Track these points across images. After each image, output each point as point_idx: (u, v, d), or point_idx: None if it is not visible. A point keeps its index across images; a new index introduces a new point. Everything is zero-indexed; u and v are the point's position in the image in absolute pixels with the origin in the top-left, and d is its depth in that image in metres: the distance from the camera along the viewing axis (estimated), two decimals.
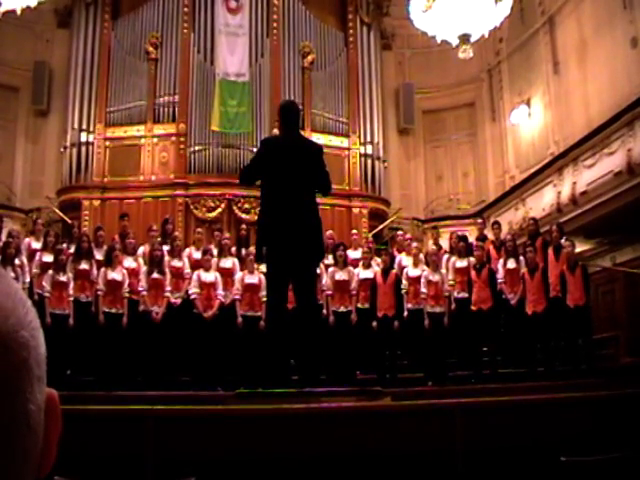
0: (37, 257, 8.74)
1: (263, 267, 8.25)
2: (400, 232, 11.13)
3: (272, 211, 5.26)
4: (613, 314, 9.64)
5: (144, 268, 8.69)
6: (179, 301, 8.66)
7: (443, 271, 9.00)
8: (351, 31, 14.36)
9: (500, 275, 8.85)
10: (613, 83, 10.40)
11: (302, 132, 11.94)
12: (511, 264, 8.84)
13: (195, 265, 8.94)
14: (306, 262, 5.28)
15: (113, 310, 8.40)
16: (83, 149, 13.01)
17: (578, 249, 9.13)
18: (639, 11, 9.92)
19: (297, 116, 5.59)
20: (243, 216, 12.36)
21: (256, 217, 12.03)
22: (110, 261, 8.53)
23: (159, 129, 13.17)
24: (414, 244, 9.58)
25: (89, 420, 4.03)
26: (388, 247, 10.57)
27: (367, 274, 8.97)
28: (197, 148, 12.83)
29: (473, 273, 8.80)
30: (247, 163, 5.65)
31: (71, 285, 8.35)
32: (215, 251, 9.16)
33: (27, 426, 0.58)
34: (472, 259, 8.95)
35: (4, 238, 8.94)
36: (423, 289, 8.77)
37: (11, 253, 8.24)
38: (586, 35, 11.50)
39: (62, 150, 13.29)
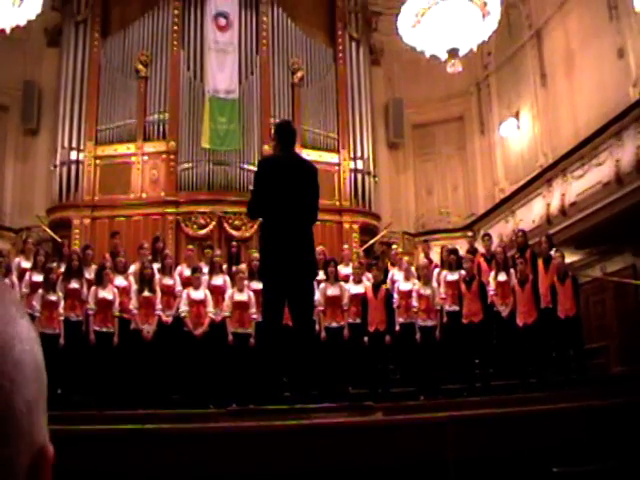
0: (27, 276, 8.68)
1: (254, 284, 8.28)
2: (394, 247, 11.15)
3: (272, 230, 5.29)
4: (604, 324, 9.65)
5: (135, 287, 8.66)
6: (170, 319, 8.63)
7: (434, 285, 9.01)
8: (340, 47, 14.41)
9: (491, 288, 8.87)
10: (600, 94, 10.46)
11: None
12: (502, 276, 8.87)
13: (186, 283, 8.92)
14: (302, 280, 5.30)
15: (104, 329, 8.35)
16: (73, 167, 12.96)
17: (568, 260, 9.15)
18: (626, 22, 9.99)
19: (294, 136, 5.64)
20: (234, 233, 12.35)
21: (247, 234, 12.22)
22: (101, 280, 8.50)
23: (149, 147, 13.16)
24: (405, 258, 9.60)
25: (80, 439, 4.01)
26: (379, 261, 10.58)
27: (358, 289, 8.97)
28: (187, 165, 12.82)
29: (463, 286, 8.82)
30: (250, 196, 5.53)
31: (61, 304, 8.31)
32: (205, 269, 9.14)
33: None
34: (463, 272, 8.98)
35: None
36: (414, 303, 8.78)
37: (1, 272, 8.21)
38: (573, 47, 11.58)
39: (52, 169, 13.24)
